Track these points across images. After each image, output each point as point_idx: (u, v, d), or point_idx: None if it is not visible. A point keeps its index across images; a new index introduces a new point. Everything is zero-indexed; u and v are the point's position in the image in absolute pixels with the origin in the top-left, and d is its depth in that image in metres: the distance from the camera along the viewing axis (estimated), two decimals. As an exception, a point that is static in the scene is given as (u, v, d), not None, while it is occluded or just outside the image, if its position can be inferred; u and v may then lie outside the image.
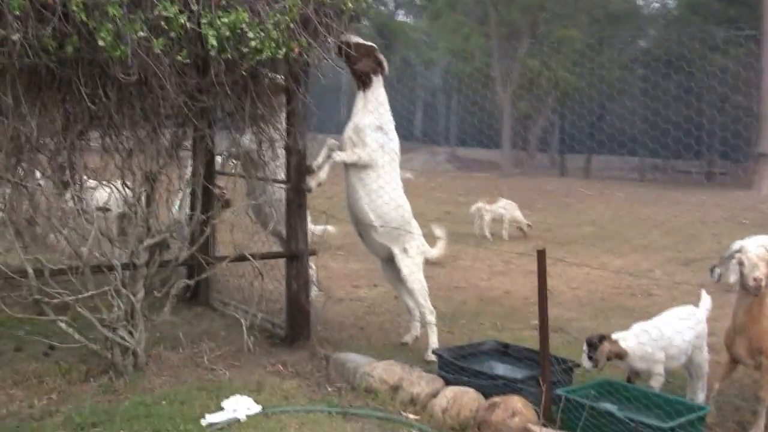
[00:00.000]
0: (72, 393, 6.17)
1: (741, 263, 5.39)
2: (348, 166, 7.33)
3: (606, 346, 5.74)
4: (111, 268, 6.39)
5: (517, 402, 5.42)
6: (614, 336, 5.86)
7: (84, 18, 5.39)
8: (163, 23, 5.66)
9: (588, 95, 38.57)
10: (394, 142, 7.38)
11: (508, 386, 5.75)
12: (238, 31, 5.98)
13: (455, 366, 6.24)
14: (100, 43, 5.43)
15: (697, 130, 31.89)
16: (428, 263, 11.63)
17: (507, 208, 16.30)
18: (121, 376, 6.42)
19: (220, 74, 6.06)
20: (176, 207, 8.28)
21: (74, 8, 5.32)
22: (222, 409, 5.77)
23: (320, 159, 7.38)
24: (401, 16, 61.01)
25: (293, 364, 7.04)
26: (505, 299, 10.18)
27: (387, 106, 7.41)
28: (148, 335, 6.80)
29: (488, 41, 40.09)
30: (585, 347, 5.87)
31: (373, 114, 7.27)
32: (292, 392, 6.29)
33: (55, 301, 6.16)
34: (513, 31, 39.13)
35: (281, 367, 6.93)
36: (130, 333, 6.48)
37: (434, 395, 5.94)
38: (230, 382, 6.43)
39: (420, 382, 6.11)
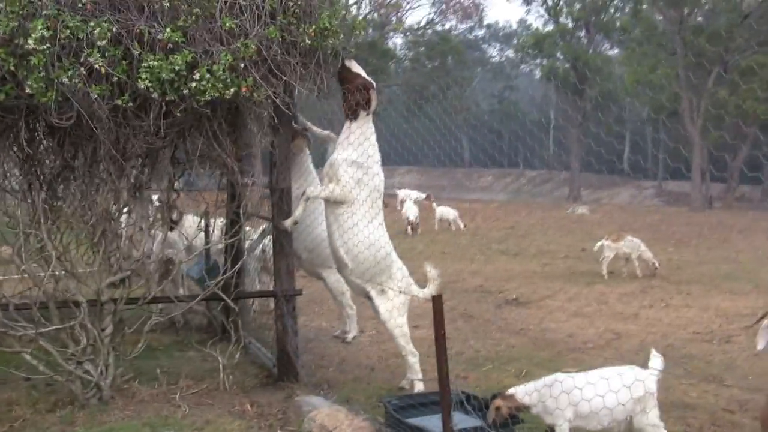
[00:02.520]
0: (35, 422, 6.45)
1: None
2: (325, 203, 7.23)
3: (497, 403, 5.31)
4: (77, 303, 6.63)
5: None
6: (513, 390, 5.41)
7: (12, 68, 5.70)
8: (101, 68, 5.87)
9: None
10: (374, 178, 7.18)
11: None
12: (183, 72, 6.09)
13: (393, 417, 5.97)
14: (27, 90, 5.71)
15: None
16: (509, 303, 11.49)
17: (632, 246, 15.46)
18: (83, 408, 6.62)
19: (159, 116, 6.17)
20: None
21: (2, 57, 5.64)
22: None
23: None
24: (603, 46, 59.88)
25: (265, 404, 6.98)
26: (561, 344, 9.62)
27: (373, 141, 7.23)
28: (122, 369, 6.99)
29: (675, 71, 38.43)
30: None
31: (352, 147, 7.13)
32: (232, 433, 6.24)
33: (20, 334, 6.48)
34: (701, 61, 37.20)
35: (248, 407, 6.89)
36: (96, 367, 6.68)
37: (355, 444, 5.72)
38: (182, 420, 6.47)
39: (347, 431, 5.89)
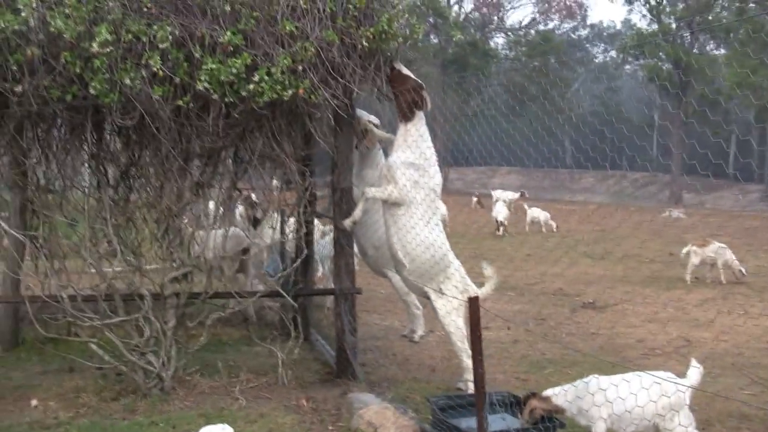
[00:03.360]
0: (99, 409, 6.75)
1: None
2: (383, 204, 7.32)
3: (532, 404, 5.29)
4: (141, 296, 6.90)
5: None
6: (548, 392, 5.37)
7: (78, 70, 5.98)
8: (158, 71, 6.10)
9: None
10: (432, 179, 7.23)
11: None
12: (243, 75, 6.27)
13: (437, 417, 6.01)
14: (92, 91, 5.99)
15: None
16: (585, 306, 11.36)
17: (718, 252, 15.08)
18: (145, 397, 6.89)
19: (219, 117, 6.37)
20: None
21: (67, 60, 5.93)
22: (198, 435, 6.02)
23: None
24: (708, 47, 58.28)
25: (320, 400, 7.10)
26: (629, 349, 9.45)
27: (428, 142, 7.29)
28: (186, 361, 7.24)
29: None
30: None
31: (410, 149, 7.19)
32: (284, 427, 6.38)
33: (87, 324, 6.80)
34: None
35: (304, 402, 7.02)
36: (158, 358, 6.94)
37: (398, 442, 5.79)
38: (237, 412, 6.66)
39: (391, 428, 5.97)
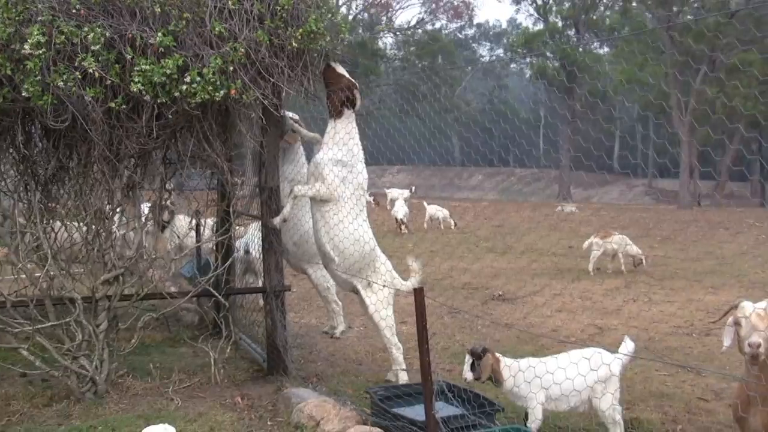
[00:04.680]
0: (32, 416, 6.65)
1: (737, 323, 4.63)
2: (311, 200, 7.45)
3: (489, 359, 5.56)
4: (72, 300, 6.84)
5: (404, 445, 5.33)
6: (499, 355, 5.66)
7: (8, 72, 5.91)
8: (94, 72, 6.07)
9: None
10: (358, 175, 7.40)
11: (409, 428, 5.63)
12: (175, 76, 6.30)
13: (378, 407, 6.18)
14: (24, 93, 5.92)
15: None
16: (495, 299, 11.69)
17: (619, 243, 15.81)
18: (78, 402, 6.83)
19: (152, 118, 6.38)
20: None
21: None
22: (139, 437, 6.03)
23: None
24: (593, 45, 60.13)
25: (255, 397, 7.19)
26: (545, 338, 9.82)
27: (356, 140, 7.45)
28: (117, 364, 7.21)
29: (664, 69, 38.76)
30: (468, 357, 5.68)
31: (338, 146, 7.34)
32: (224, 424, 6.43)
33: (17, 330, 6.69)
34: (689, 59, 37.54)
35: (239, 400, 7.09)
36: (91, 362, 6.89)
37: (341, 433, 5.93)
38: (175, 412, 6.68)
39: (334, 420, 6.10)
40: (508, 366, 5.73)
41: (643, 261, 15.81)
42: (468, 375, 5.76)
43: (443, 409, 5.87)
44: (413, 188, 38.79)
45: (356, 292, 7.59)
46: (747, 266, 16.19)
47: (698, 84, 37.91)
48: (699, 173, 44.82)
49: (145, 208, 7.63)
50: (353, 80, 7.53)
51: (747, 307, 4.63)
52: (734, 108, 35.51)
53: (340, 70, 7.47)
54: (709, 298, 12.37)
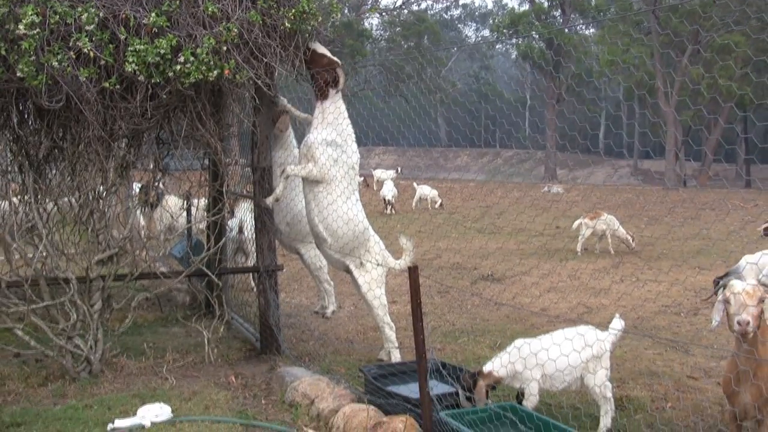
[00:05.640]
0: (27, 395, 6.69)
1: (726, 301, 4.68)
2: (303, 181, 7.48)
3: (481, 384, 5.61)
4: (67, 280, 6.86)
5: (399, 423, 5.37)
6: (487, 367, 5.71)
7: (3, 52, 5.90)
8: (88, 52, 6.07)
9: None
10: (351, 156, 7.42)
11: (403, 405, 5.70)
12: (169, 56, 6.30)
13: (372, 385, 6.24)
14: (18, 74, 5.92)
15: None
16: (485, 279, 11.76)
17: (608, 223, 15.95)
18: (73, 381, 6.87)
19: (145, 98, 6.39)
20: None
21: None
22: (135, 414, 6.07)
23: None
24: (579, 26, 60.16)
25: (249, 376, 7.25)
26: (534, 317, 9.91)
27: (346, 119, 7.46)
28: (111, 344, 7.25)
29: (650, 50, 38.86)
30: (461, 392, 5.75)
31: (329, 127, 7.35)
32: (219, 403, 6.49)
33: (11, 310, 6.72)
34: (676, 40, 37.62)
35: (233, 379, 7.15)
36: (85, 342, 6.92)
37: (336, 411, 5.98)
38: (169, 391, 6.73)
39: (328, 398, 6.16)
40: (498, 364, 5.78)
41: (632, 242, 15.94)
42: (466, 404, 5.79)
43: (437, 387, 5.95)
44: (399, 169, 38.95)
45: (349, 271, 7.63)
46: (733, 246, 16.31)
47: (684, 65, 37.98)
48: (685, 153, 45.09)
49: (136, 188, 7.62)
50: (335, 59, 7.52)
51: (736, 285, 4.70)
52: (720, 88, 35.65)
53: (321, 50, 7.46)
54: (695, 279, 12.48)
